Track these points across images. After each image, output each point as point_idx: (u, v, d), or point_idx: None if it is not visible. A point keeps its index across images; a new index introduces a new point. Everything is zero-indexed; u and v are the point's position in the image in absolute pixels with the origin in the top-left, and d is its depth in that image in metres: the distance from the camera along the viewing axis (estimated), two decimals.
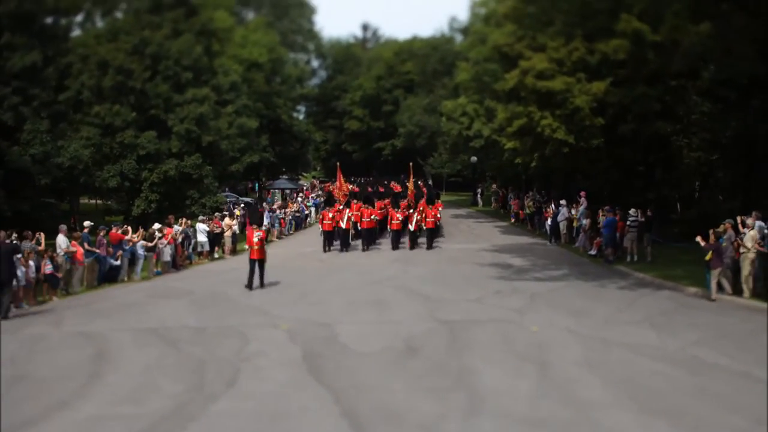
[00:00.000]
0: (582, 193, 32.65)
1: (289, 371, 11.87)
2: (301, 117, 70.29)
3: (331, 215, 31.86)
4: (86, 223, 24.57)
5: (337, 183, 38.79)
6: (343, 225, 31.62)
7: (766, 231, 18.87)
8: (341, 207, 32.61)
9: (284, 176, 68.58)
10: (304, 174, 75.81)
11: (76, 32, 42.74)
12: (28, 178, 35.62)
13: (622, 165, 34.52)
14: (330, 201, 34.99)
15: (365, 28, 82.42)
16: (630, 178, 35.02)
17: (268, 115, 53.36)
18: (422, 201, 33.13)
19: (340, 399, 10.30)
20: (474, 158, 53.99)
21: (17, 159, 34.99)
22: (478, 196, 61.39)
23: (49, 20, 40.81)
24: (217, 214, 33.92)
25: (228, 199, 47.98)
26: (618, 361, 12.24)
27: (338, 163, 41.31)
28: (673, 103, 31.50)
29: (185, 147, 40.34)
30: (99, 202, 47.97)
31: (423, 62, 68.87)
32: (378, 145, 71.26)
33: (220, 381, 11.32)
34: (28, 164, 35.46)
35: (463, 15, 77.42)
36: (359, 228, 33.21)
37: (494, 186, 57.93)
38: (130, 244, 24.34)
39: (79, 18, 42.57)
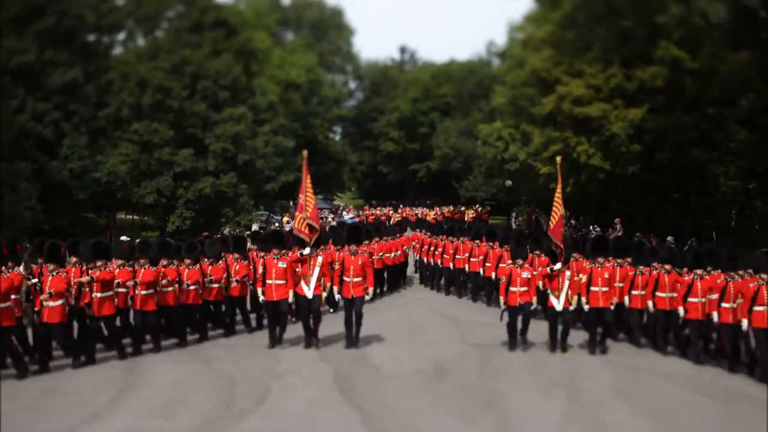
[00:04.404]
0: (617, 220, 32.42)
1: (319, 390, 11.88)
2: (337, 138, 70.56)
3: (275, 269, 14.77)
4: (123, 238, 24.73)
5: (301, 196, 15.01)
6: (308, 292, 14.62)
7: None
8: (301, 251, 14.96)
9: (319, 196, 68.77)
10: (339, 194, 75.99)
11: (117, 50, 43.56)
12: (66, 192, 36.16)
13: (658, 192, 34.31)
14: (279, 239, 15.74)
15: (403, 50, 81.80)
16: (666, 206, 34.78)
17: (305, 135, 53.60)
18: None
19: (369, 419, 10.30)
20: (509, 182, 53.80)
21: (56, 173, 35.55)
22: (513, 220, 61.12)
23: (91, 38, 41.59)
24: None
25: (261, 217, 48.11)
26: (649, 390, 12.11)
27: (304, 152, 15.52)
28: (711, 130, 31.28)
29: (221, 165, 40.72)
30: (135, 217, 48.44)
31: (459, 85, 68.74)
32: (413, 167, 71.16)
33: (250, 398, 11.35)
34: (67, 179, 36.02)
35: (500, 39, 77.75)
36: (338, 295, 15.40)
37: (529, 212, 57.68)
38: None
39: (120, 36, 43.42)
